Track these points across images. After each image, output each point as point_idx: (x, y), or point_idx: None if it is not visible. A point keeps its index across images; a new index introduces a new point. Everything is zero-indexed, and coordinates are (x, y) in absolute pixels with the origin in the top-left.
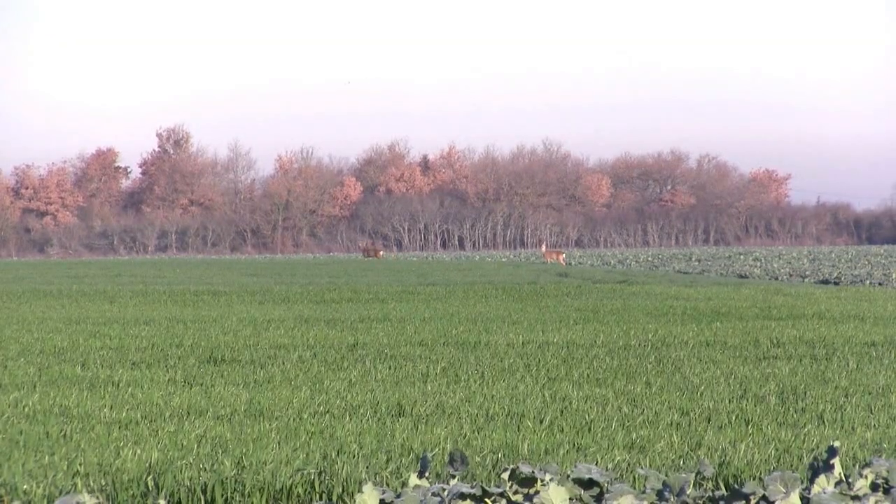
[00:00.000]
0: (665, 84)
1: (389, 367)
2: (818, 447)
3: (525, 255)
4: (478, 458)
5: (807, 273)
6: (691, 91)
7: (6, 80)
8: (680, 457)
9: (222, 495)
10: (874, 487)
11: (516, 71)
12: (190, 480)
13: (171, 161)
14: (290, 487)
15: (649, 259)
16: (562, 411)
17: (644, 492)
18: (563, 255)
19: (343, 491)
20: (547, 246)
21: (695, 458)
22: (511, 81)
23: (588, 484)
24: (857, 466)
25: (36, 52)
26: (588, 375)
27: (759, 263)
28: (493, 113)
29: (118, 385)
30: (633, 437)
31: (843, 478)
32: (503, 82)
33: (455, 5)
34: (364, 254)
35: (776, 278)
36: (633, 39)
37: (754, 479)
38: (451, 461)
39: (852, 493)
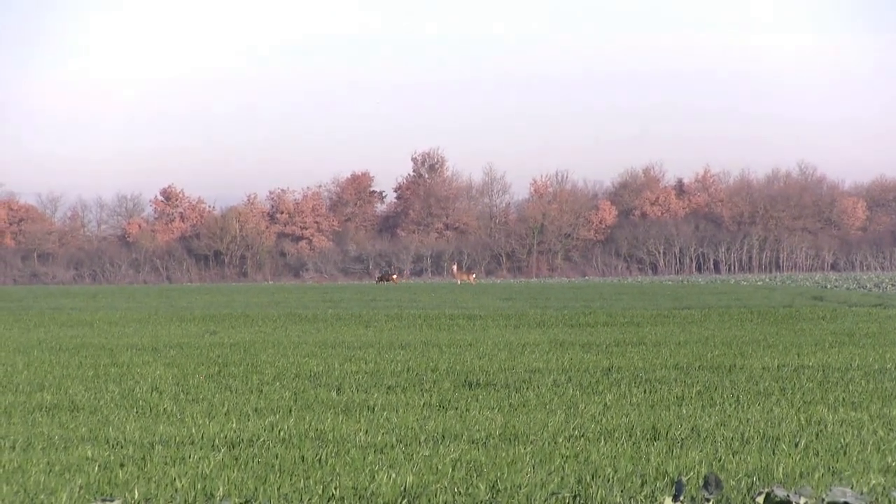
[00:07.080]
0: None
1: (644, 391)
2: None
3: (781, 279)
4: (732, 482)
5: None
6: None
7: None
8: None
9: None
10: None
11: (770, 95)
12: None
13: (426, 185)
14: None
15: None
16: (817, 434)
17: None
18: (474, 275)
19: None
20: (458, 267)
21: None
22: (763, 106)
23: None
24: None
25: (289, 79)
26: (843, 399)
27: None
28: (747, 136)
29: (373, 409)
30: (889, 460)
31: None
32: (755, 107)
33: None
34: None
35: None
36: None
37: None
38: (706, 485)
39: None
